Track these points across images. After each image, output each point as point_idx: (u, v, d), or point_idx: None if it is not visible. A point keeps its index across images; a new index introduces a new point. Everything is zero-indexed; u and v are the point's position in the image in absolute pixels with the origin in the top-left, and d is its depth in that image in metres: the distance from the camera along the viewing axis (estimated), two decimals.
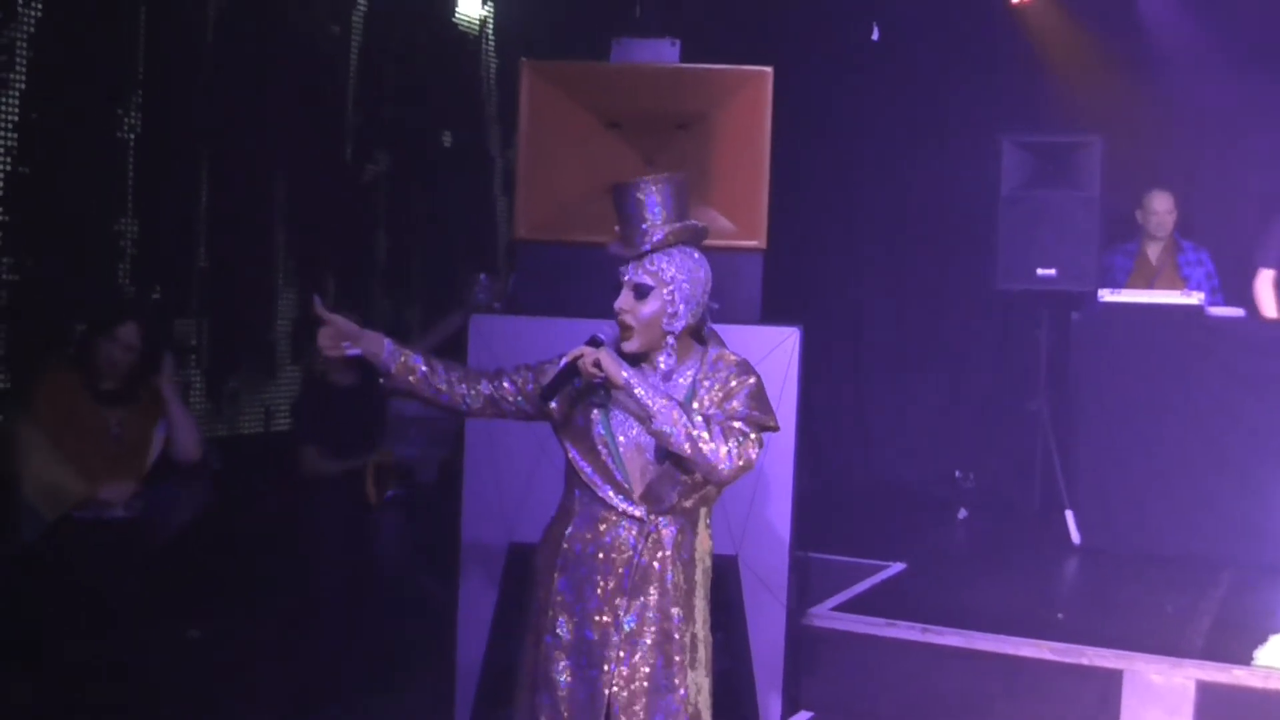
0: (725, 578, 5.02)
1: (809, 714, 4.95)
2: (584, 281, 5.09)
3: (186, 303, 6.49)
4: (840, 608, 5.41)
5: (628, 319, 3.28)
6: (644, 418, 3.18)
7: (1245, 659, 4.80)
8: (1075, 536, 6.76)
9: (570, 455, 3.35)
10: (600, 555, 3.29)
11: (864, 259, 9.16)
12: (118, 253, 6.10)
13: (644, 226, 3.30)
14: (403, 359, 3.33)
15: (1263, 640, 4.94)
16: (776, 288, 5.30)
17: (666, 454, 3.23)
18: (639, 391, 3.17)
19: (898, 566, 6.29)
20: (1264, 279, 7.22)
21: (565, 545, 3.33)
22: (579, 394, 3.33)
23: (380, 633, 6.36)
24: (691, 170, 4.96)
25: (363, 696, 5.72)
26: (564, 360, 3.25)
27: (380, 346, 3.33)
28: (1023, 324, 7.70)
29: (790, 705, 5.06)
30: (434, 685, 5.37)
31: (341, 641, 5.73)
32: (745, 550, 5.02)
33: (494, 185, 8.37)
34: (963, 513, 7.49)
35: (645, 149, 5.10)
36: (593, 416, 3.31)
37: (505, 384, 3.39)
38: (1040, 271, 7.22)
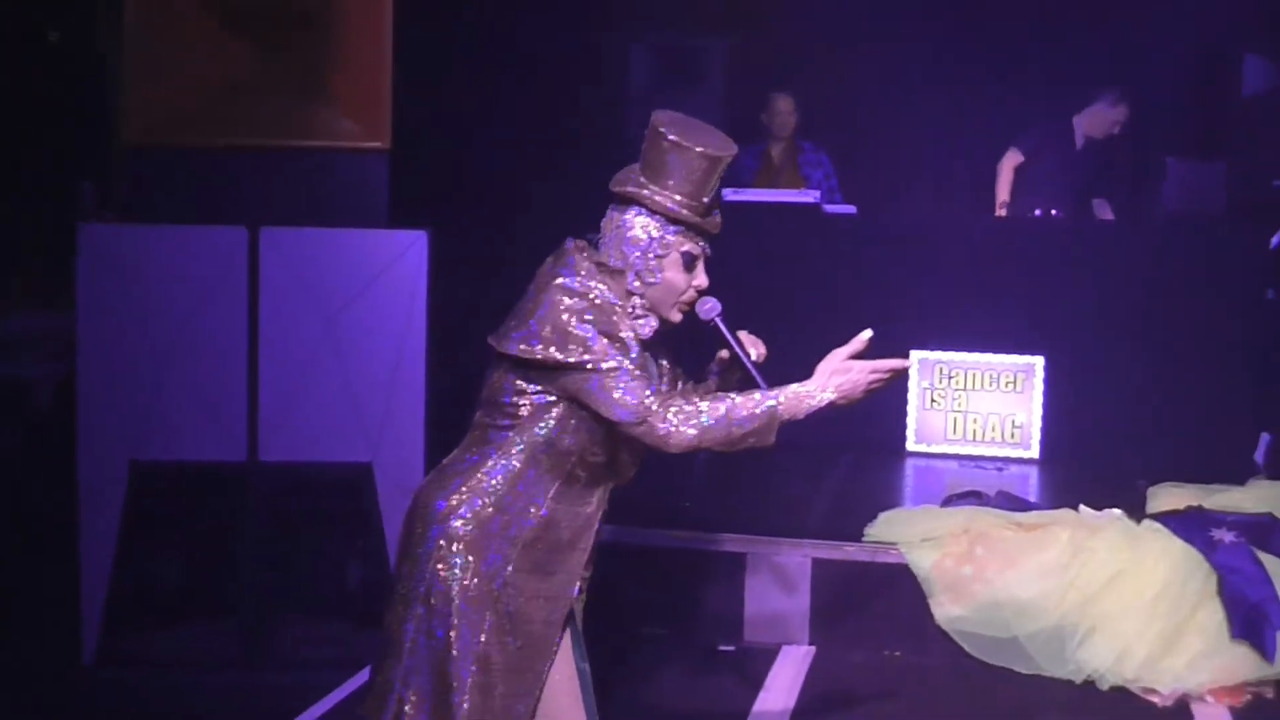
0: (361, 486, 5.00)
1: None
2: (203, 187, 4.90)
3: None
4: None
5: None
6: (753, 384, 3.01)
7: (856, 536, 5.12)
8: None
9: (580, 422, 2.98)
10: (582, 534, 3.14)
11: (503, 161, 9.12)
12: None
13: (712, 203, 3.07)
14: None
15: (872, 517, 5.27)
16: (408, 190, 5.22)
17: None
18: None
19: None
20: (1009, 157, 7.61)
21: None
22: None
23: None
24: (312, 68, 4.86)
25: None
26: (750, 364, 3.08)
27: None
28: None
29: None
30: (60, 612, 5.15)
31: None
32: (381, 458, 5.00)
33: (105, 86, 7.90)
34: None
35: (263, 47, 4.92)
36: None
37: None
38: None
